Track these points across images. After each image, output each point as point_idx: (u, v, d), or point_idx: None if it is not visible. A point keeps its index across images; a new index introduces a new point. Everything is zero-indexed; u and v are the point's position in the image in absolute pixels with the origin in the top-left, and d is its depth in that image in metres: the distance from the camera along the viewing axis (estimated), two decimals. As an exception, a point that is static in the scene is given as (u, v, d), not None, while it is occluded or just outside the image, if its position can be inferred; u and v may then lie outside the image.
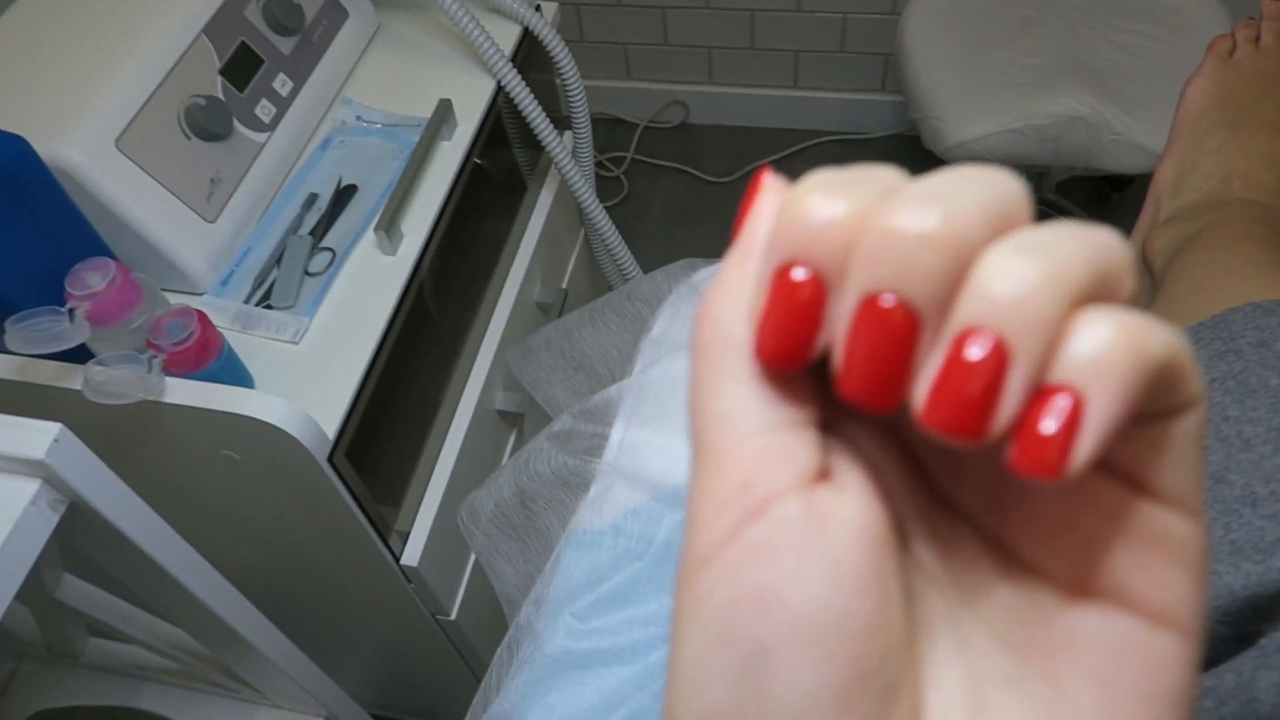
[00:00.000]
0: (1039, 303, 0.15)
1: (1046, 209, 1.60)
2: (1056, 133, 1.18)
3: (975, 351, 0.15)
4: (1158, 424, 0.17)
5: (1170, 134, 0.68)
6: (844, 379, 0.17)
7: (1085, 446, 0.15)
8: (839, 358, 0.17)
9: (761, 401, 0.18)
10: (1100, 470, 0.17)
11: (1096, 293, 0.16)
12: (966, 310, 0.16)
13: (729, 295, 0.18)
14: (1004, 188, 0.17)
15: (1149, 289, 0.62)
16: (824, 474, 0.18)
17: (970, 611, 0.19)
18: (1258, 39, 0.67)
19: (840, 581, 0.17)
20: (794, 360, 0.17)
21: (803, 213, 0.17)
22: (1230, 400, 0.40)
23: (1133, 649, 0.17)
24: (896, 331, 0.16)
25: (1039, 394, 0.15)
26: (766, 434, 0.17)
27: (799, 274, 0.17)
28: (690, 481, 0.19)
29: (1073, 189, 1.68)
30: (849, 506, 0.17)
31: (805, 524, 0.17)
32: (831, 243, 0.16)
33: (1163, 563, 0.17)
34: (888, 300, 0.16)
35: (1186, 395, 0.16)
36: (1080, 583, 0.18)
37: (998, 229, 0.16)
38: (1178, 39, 1.23)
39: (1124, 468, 0.17)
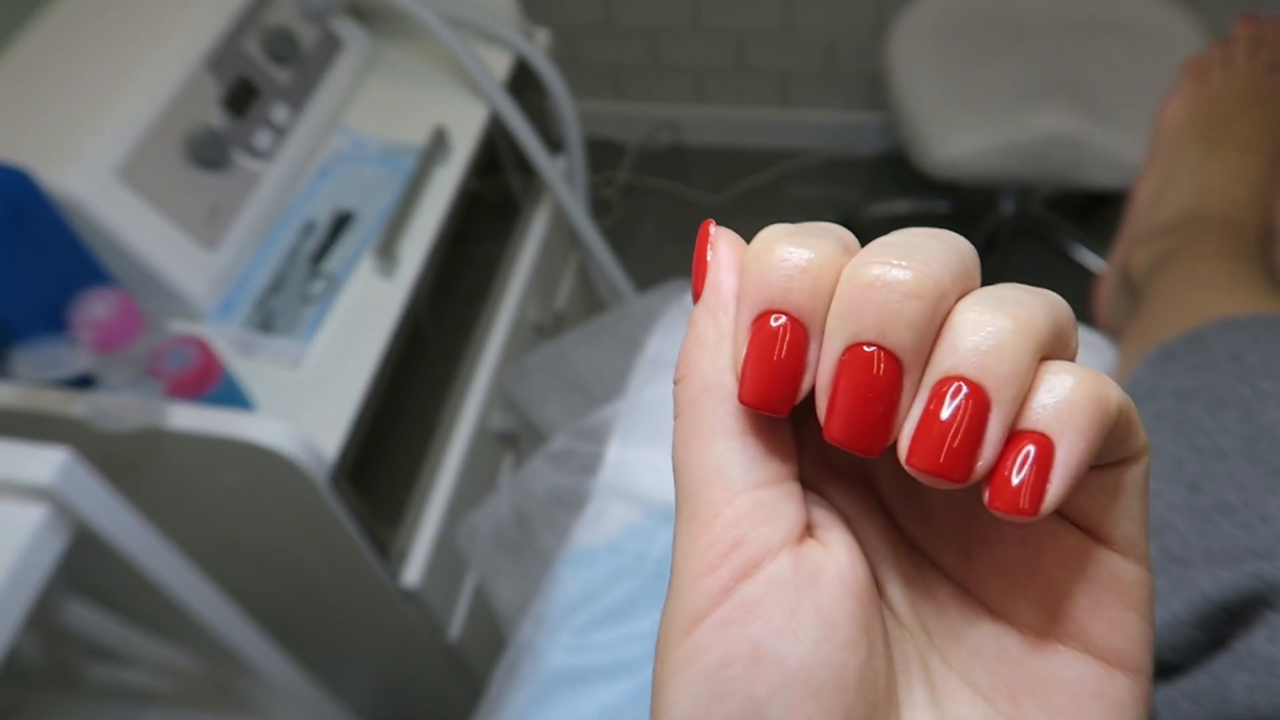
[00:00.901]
0: (1014, 353, 0.16)
1: (1033, 224, 1.62)
2: (1041, 150, 1.20)
3: (958, 400, 0.16)
4: (1111, 472, 0.18)
5: (1148, 152, 0.70)
6: (830, 423, 0.17)
7: (1056, 487, 0.16)
8: (824, 403, 0.18)
9: (751, 456, 0.18)
10: (1059, 518, 0.19)
11: (1055, 347, 0.17)
12: (947, 360, 0.17)
13: (710, 348, 0.19)
14: (964, 246, 0.18)
15: (1130, 302, 0.64)
16: (809, 530, 0.19)
17: (940, 658, 0.20)
18: (1231, 58, 0.69)
19: (831, 637, 0.17)
20: (780, 404, 0.18)
21: (775, 260, 0.18)
22: (1205, 412, 0.41)
23: (1094, 691, 0.18)
24: (882, 378, 0.17)
25: (1011, 439, 0.17)
26: (756, 490, 0.18)
27: (778, 320, 0.18)
28: (676, 534, 0.19)
29: (1058, 205, 1.71)
30: (836, 561, 0.18)
31: (796, 581, 0.18)
32: (808, 288, 0.17)
33: (1118, 606, 0.18)
34: (871, 349, 0.17)
35: (1136, 445, 0.18)
36: (1043, 627, 0.19)
37: (964, 285, 0.18)
38: (1158, 57, 1.25)
39: (1081, 516, 0.18)
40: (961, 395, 0.16)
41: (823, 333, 0.18)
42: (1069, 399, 0.16)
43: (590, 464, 0.58)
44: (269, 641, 0.73)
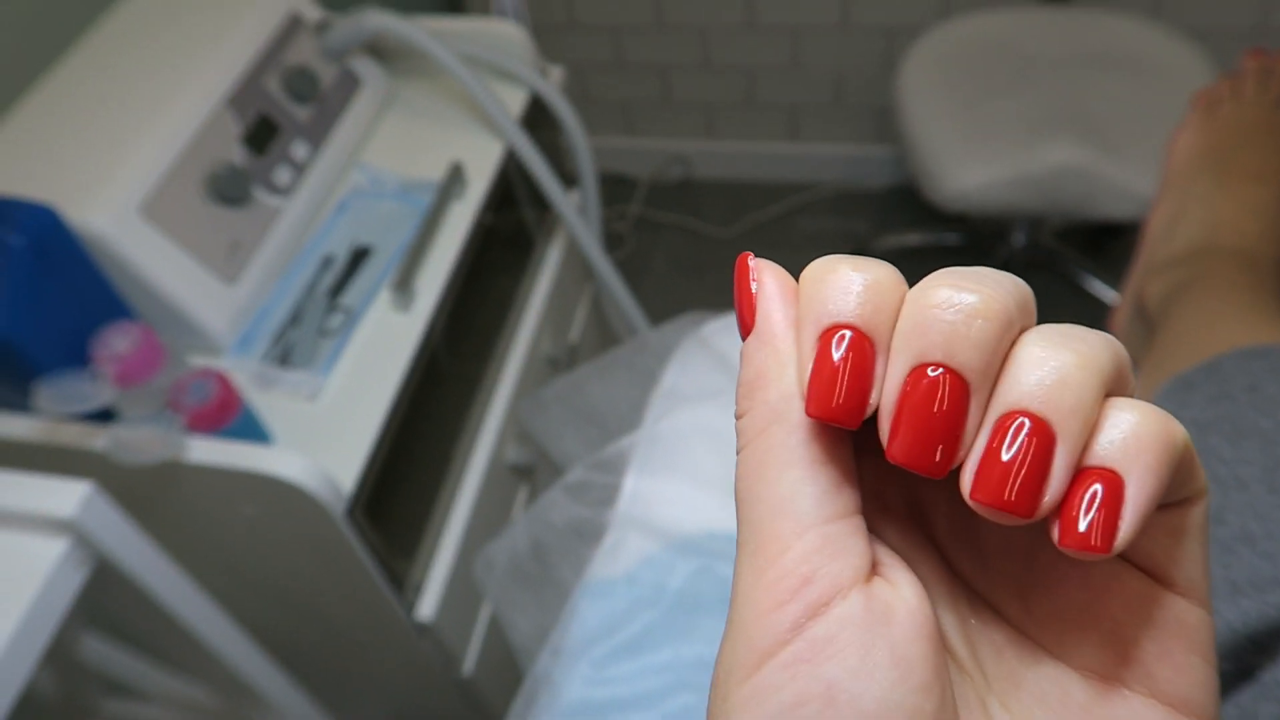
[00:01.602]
0: (1079, 388, 0.16)
1: (1044, 256, 1.63)
2: (1052, 182, 1.21)
3: (1023, 434, 0.16)
4: (1175, 512, 0.18)
5: (1160, 184, 0.70)
6: (893, 443, 0.17)
7: (1128, 524, 0.16)
8: (887, 423, 0.17)
9: (822, 488, 0.18)
10: (1122, 561, 0.18)
11: (1117, 384, 0.17)
12: (1011, 393, 0.17)
13: (773, 378, 0.19)
14: (1023, 284, 0.18)
15: (1144, 334, 0.64)
16: (875, 568, 0.18)
17: (999, 702, 0.19)
18: (1240, 91, 0.69)
19: (908, 679, 0.17)
20: (849, 414, 0.18)
21: (838, 279, 0.18)
22: (1224, 443, 0.41)
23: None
24: (948, 398, 0.17)
25: (1079, 475, 0.16)
26: (827, 524, 0.18)
27: (844, 334, 0.18)
28: (738, 566, 0.19)
29: (1070, 236, 1.71)
30: (906, 601, 0.18)
31: (869, 620, 0.17)
32: (872, 302, 0.18)
33: (1183, 650, 0.18)
34: (937, 370, 0.17)
35: (1198, 485, 0.18)
36: (1108, 672, 0.18)
37: (1026, 319, 0.18)
38: (1167, 90, 1.26)
39: (1144, 558, 0.18)
40: (1026, 430, 0.16)
41: (888, 350, 0.18)
42: (1137, 434, 0.16)
43: (607, 495, 0.58)
44: (285, 675, 0.72)
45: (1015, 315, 0.17)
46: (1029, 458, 0.16)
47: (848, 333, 0.18)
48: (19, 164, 0.73)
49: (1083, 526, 0.16)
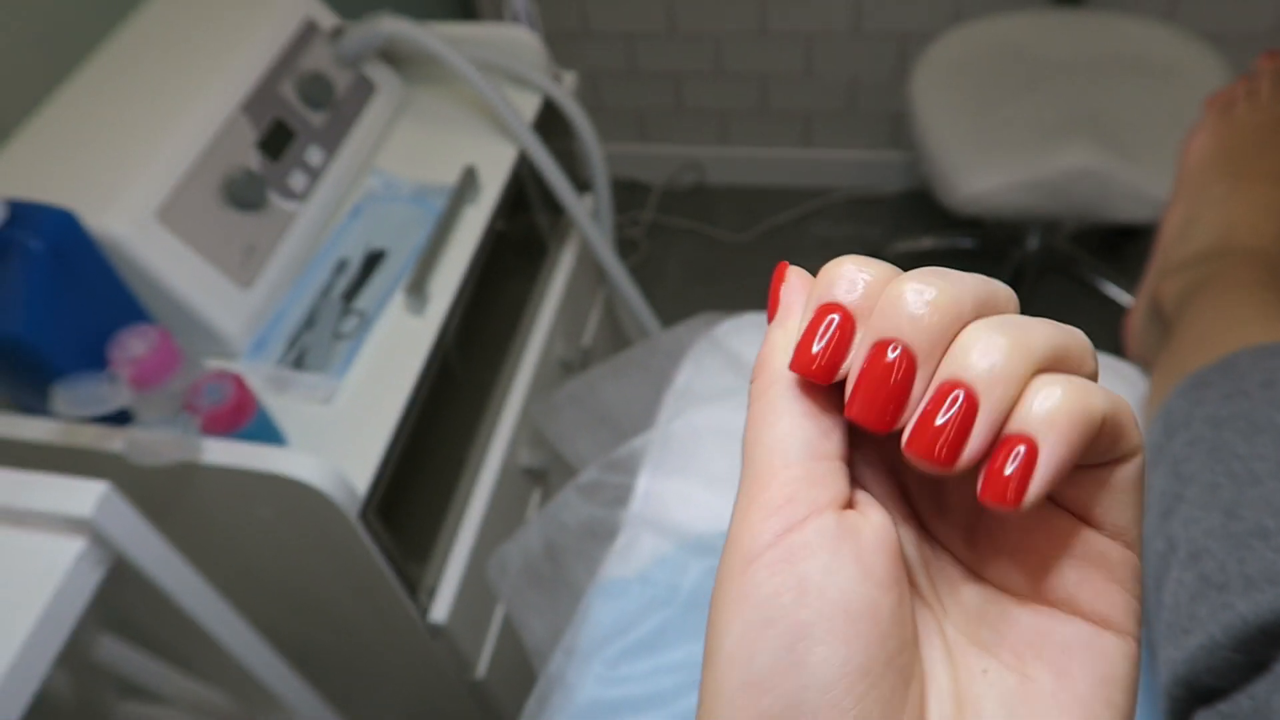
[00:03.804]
0: (1005, 364, 0.20)
1: (1058, 259, 1.62)
2: (1066, 185, 1.20)
3: (951, 399, 0.20)
4: (1102, 469, 0.21)
5: (1174, 186, 0.70)
6: (851, 402, 0.21)
7: (1037, 485, 0.19)
8: (850, 385, 0.21)
9: (808, 435, 0.22)
10: (1053, 504, 0.22)
11: (1054, 365, 0.20)
12: (948, 366, 0.20)
13: (780, 349, 0.23)
14: (999, 286, 0.22)
15: (1160, 334, 0.63)
16: (850, 504, 0.22)
17: (953, 624, 0.23)
18: (1255, 93, 0.69)
19: (867, 577, 0.21)
20: (820, 374, 0.21)
21: (839, 272, 0.22)
22: (1239, 439, 0.41)
23: (1082, 645, 0.21)
24: (897, 370, 0.20)
25: (1003, 441, 0.20)
26: (810, 461, 0.22)
27: (833, 311, 0.22)
28: (738, 497, 0.22)
29: (1084, 239, 1.70)
30: (873, 524, 0.22)
31: (838, 533, 0.21)
32: (860, 292, 0.21)
33: (1102, 579, 0.21)
34: (894, 347, 0.20)
35: (1126, 448, 0.21)
36: (1037, 594, 0.22)
37: (984, 310, 0.21)
38: (1181, 92, 1.25)
39: (1072, 504, 0.22)
40: (955, 395, 0.20)
41: None
42: (1055, 406, 0.19)
43: (621, 495, 0.59)
44: (298, 677, 0.73)
45: (967, 308, 0.20)
46: (955, 420, 0.20)
47: (836, 314, 0.21)
48: (39, 169, 0.74)
49: (999, 483, 0.19)
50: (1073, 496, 0.21)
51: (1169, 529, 0.42)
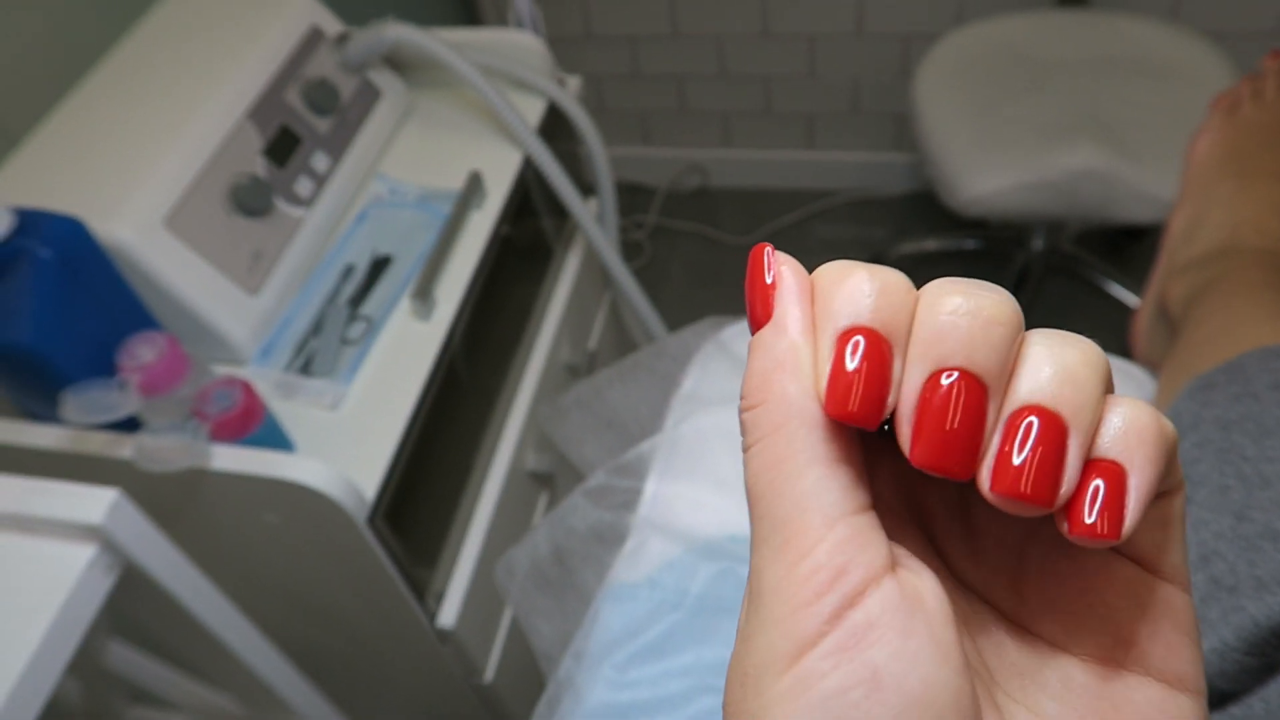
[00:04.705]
0: (1087, 383, 0.17)
1: (1063, 261, 1.62)
2: (1070, 186, 1.20)
3: (1038, 427, 0.17)
4: (1161, 503, 0.19)
5: (1180, 186, 0.70)
6: (916, 448, 0.18)
7: (1133, 512, 0.17)
8: (908, 429, 0.18)
9: (845, 483, 0.18)
10: (1112, 551, 0.19)
11: (1111, 383, 0.18)
12: (1026, 390, 0.17)
13: (789, 371, 0.19)
14: (1008, 294, 0.19)
15: (1167, 335, 0.63)
16: (896, 560, 0.19)
17: (1005, 693, 0.20)
18: (1261, 92, 0.69)
19: (948, 660, 0.17)
20: (869, 416, 0.18)
21: (855, 282, 0.18)
22: (1249, 441, 0.41)
23: (1157, 711, 0.19)
24: (969, 401, 0.17)
25: (1086, 467, 0.17)
26: (851, 517, 0.18)
27: (862, 337, 0.18)
28: (762, 561, 0.19)
29: (1089, 240, 1.70)
30: (932, 589, 0.18)
31: (905, 606, 0.18)
32: (891, 305, 0.18)
33: (1173, 631, 0.19)
34: (953, 375, 0.17)
35: (1178, 477, 0.19)
36: (1105, 655, 0.19)
37: (1023, 323, 0.19)
38: (1186, 92, 1.25)
39: (1134, 547, 0.19)
40: (1040, 424, 0.17)
41: (904, 352, 0.18)
42: (1137, 427, 0.17)
43: (629, 499, 0.59)
44: (307, 683, 0.73)
45: (1020, 320, 0.18)
46: (1046, 450, 0.17)
47: (863, 337, 0.18)
48: (47, 177, 0.74)
49: (1091, 517, 0.17)
50: (1135, 537, 0.19)
51: None
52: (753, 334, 0.20)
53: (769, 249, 0.20)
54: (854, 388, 0.18)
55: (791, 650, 0.17)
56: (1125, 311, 1.50)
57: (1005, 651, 0.20)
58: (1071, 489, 0.17)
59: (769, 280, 0.20)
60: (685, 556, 0.54)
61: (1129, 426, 0.17)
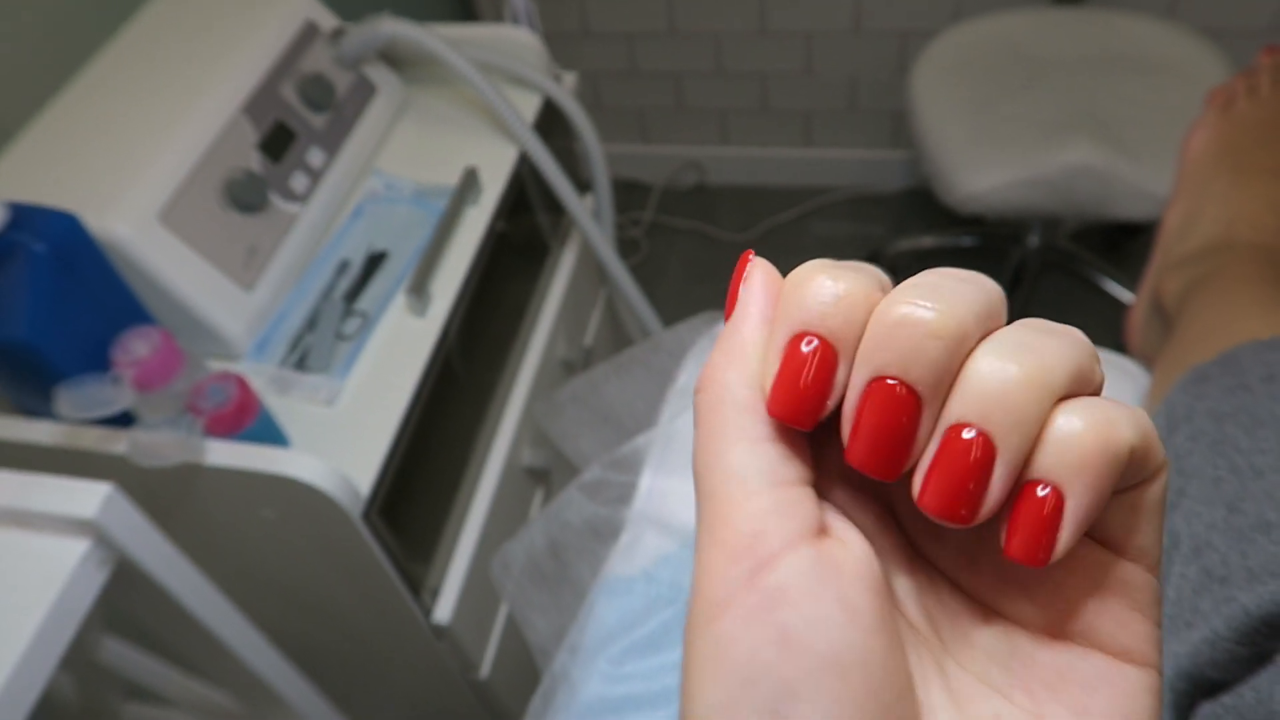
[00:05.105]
0: (1022, 403, 0.17)
1: (1059, 257, 1.62)
2: (1067, 183, 1.20)
3: (966, 446, 0.18)
4: (1132, 493, 0.19)
5: (1175, 182, 0.70)
6: (852, 448, 0.19)
7: (1065, 538, 0.18)
8: (848, 428, 0.19)
9: (769, 460, 0.19)
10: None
11: (1075, 386, 0.18)
12: (958, 406, 0.18)
13: (733, 361, 0.20)
14: (990, 287, 0.19)
15: (1162, 329, 0.63)
16: (824, 530, 0.19)
17: (955, 661, 0.20)
18: (1256, 88, 0.69)
19: (856, 622, 0.18)
20: (806, 419, 0.19)
21: (814, 287, 0.19)
22: (1241, 433, 0.41)
23: (1103, 681, 0.19)
24: (902, 410, 0.18)
25: (1026, 487, 0.18)
26: (774, 489, 0.19)
27: (810, 343, 0.19)
28: (697, 533, 0.20)
29: (1085, 237, 1.70)
30: (854, 556, 0.19)
31: (818, 571, 0.18)
32: (842, 314, 0.19)
33: (1124, 607, 0.19)
34: (894, 382, 0.18)
35: (1153, 466, 0.19)
36: (1052, 628, 0.20)
37: (988, 327, 0.19)
38: (1182, 89, 1.25)
39: (1099, 532, 0.19)
40: (968, 442, 0.18)
41: (853, 359, 0.19)
42: (1079, 449, 0.17)
43: (624, 494, 0.59)
44: (302, 678, 0.73)
45: (971, 328, 0.18)
46: (971, 470, 0.18)
47: (814, 340, 0.19)
48: (42, 172, 0.74)
49: (1022, 539, 0.18)
50: (1100, 524, 0.19)
51: (1171, 523, 0.42)
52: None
53: (752, 255, 0.21)
54: (795, 391, 0.19)
55: (712, 612, 0.18)
56: (1121, 308, 1.50)
57: (958, 621, 0.21)
58: (994, 507, 0.18)
59: (742, 283, 0.21)
60: (680, 550, 0.54)
61: (1071, 447, 0.17)
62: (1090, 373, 0.19)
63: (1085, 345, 0.19)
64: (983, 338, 0.18)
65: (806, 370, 0.19)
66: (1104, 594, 0.19)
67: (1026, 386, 0.17)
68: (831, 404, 0.19)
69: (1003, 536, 0.18)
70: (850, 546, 0.19)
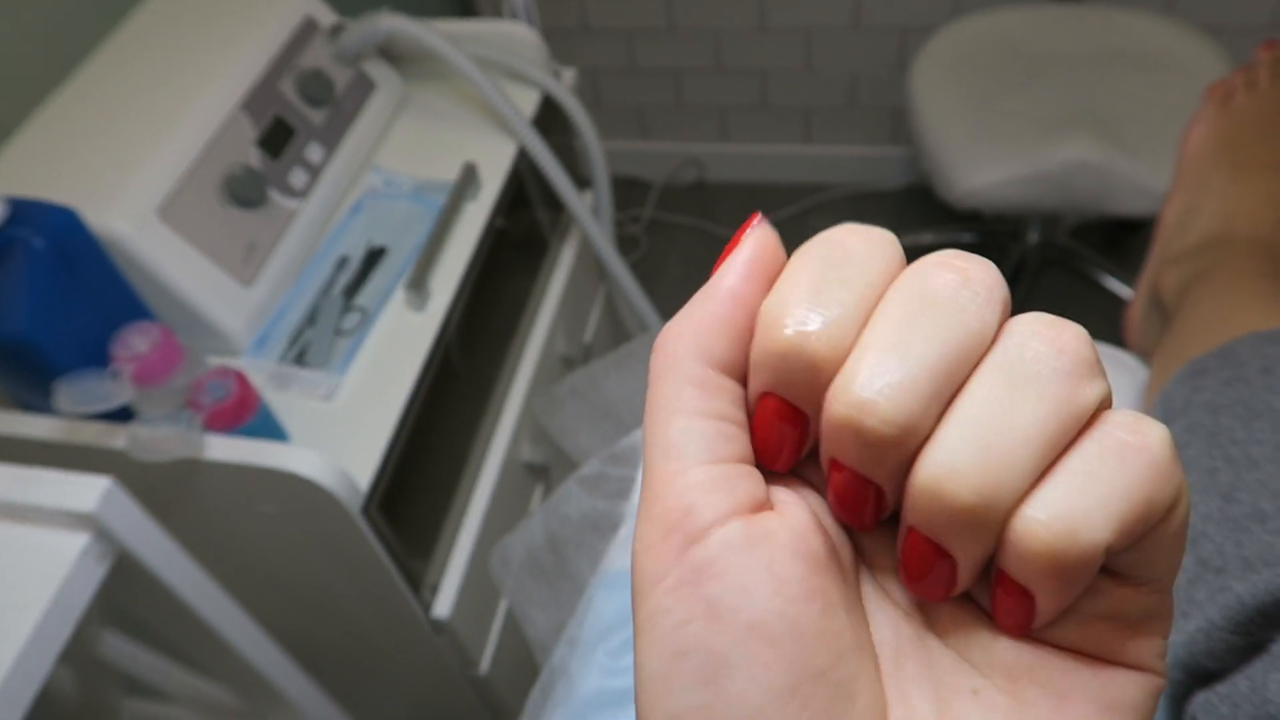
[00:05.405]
0: (971, 524, 0.17)
1: (1059, 253, 1.62)
2: (1066, 179, 1.20)
3: (926, 548, 0.18)
4: (1148, 536, 0.18)
5: (1174, 177, 0.70)
6: (832, 504, 0.20)
7: (1042, 620, 0.18)
8: (826, 472, 0.19)
9: (706, 436, 0.19)
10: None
11: (1053, 450, 0.17)
12: (911, 514, 0.18)
13: (687, 332, 0.20)
14: (971, 321, 0.18)
15: (1160, 324, 0.63)
16: (765, 506, 0.19)
17: (935, 636, 0.20)
18: (1254, 82, 0.69)
19: (782, 591, 0.18)
20: (783, 466, 0.20)
21: (783, 336, 0.19)
22: (1238, 424, 0.41)
23: (1086, 674, 0.19)
24: (861, 491, 0.19)
25: (998, 572, 0.18)
26: (710, 465, 0.19)
27: (778, 403, 0.19)
28: (639, 504, 0.20)
29: (1084, 233, 1.70)
30: (789, 527, 0.19)
31: (746, 544, 0.18)
32: (806, 380, 0.19)
33: (1129, 635, 0.19)
34: (850, 471, 0.18)
35: (1158, 515, 0.18)
36: (1045, 639, 0.19)
37: (951, 385, 0.18)
38: (1180, 84, 1.25)
39: (1108, 566, 0.18)
40: (929, 545, 0.18)
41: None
42: (1035, 561, 0.17)
43: (623, 488, 0.59)
44: (302, 673, 0.73)
45: (931, 410, 0.18)
46: (933, 566, 0.18)
47: (780, 402, 0.19)
48: (41, 167, 0.74)
49: (1000, 613, 0.19)
50: (1111, 563, 0.18)
51: None
52: None
53: (758, 218, 0.21)
54: (767, 448, 0.20)
55: (646, 586, 0.19)
56: (1120, 304, 1.50)
57: (945, 604, 0.21)
58: (965, 587, 0.19)
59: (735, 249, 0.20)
60: (678, 544, 0.54)
61: (1029, 558, 0.17)
62: (1082, 392, 0.18)
63: (1077, 340, 0.18)
64: (971, 374, 0.18)
65: (776, 432, 0.19)
66: (1107, 623, 0.19)
67: (975, 505, 0.17)
68: (808, 447, 0.20)
69: (990, 605, 0.19)
70: (787, 519, 0.19)
